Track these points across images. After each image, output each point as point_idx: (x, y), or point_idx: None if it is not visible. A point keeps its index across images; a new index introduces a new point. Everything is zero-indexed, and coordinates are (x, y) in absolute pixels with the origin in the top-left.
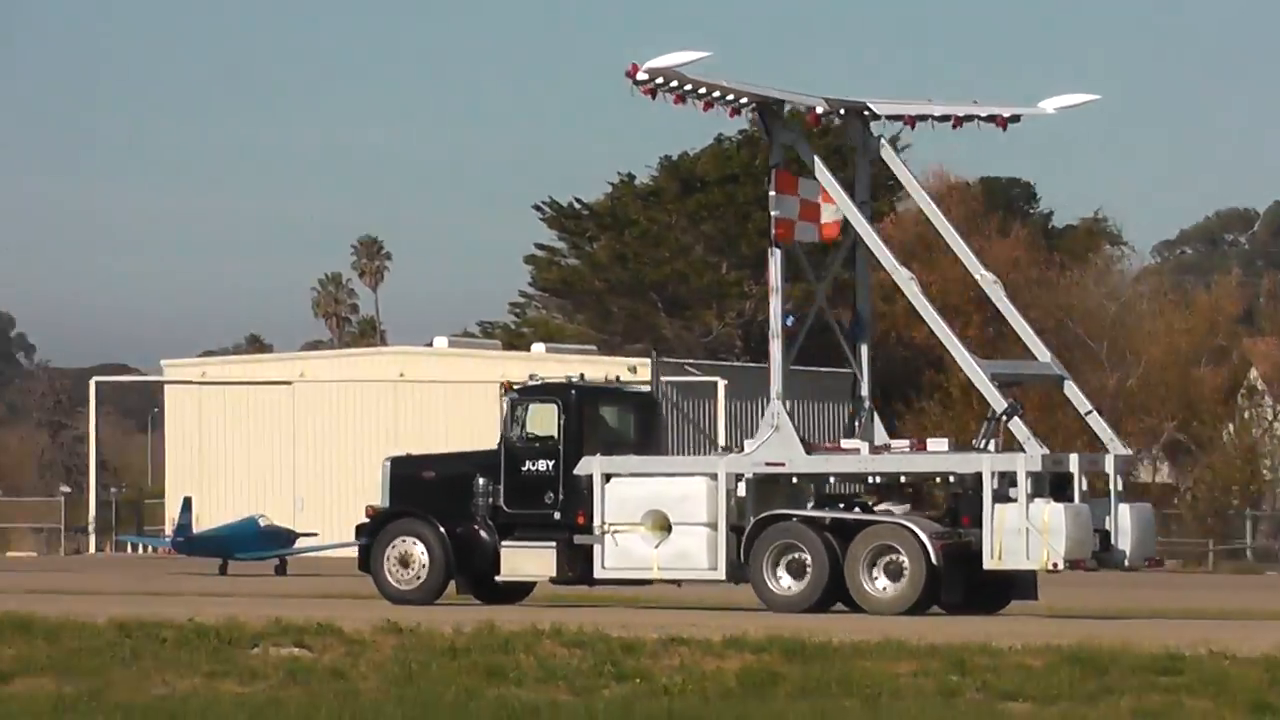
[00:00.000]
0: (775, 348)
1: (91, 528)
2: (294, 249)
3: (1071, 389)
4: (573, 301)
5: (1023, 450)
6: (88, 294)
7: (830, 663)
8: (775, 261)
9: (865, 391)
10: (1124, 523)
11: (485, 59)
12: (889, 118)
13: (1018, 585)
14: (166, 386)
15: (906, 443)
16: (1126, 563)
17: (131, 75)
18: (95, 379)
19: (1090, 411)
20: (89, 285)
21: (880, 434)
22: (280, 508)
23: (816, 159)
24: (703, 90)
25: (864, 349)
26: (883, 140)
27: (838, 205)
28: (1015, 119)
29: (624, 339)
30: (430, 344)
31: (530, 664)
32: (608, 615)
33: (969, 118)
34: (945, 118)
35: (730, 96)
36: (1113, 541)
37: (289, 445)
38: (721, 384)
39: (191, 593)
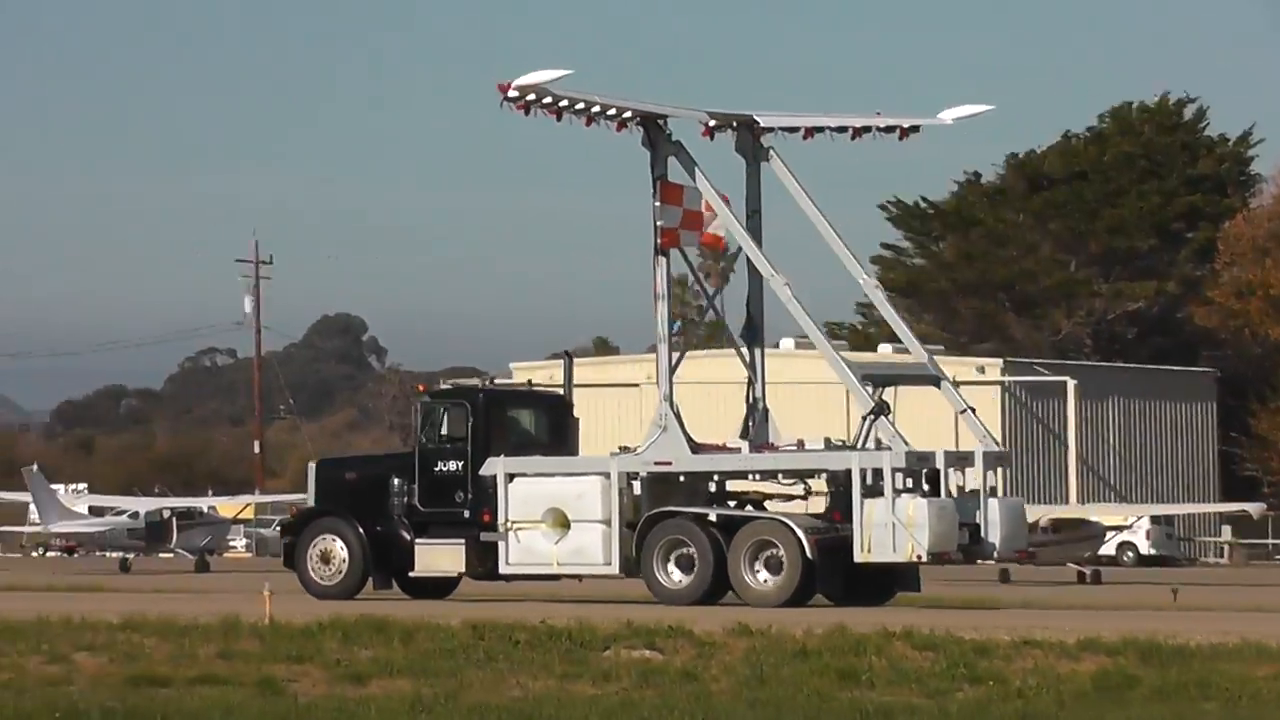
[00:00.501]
0: (662, 351)
1: None
2: (642, 250)
3: (947, 388)
4: (919, 301)
5: (889, 448)
6: (436, 298)
7: (1188, 665)
8: (661, 269)
9: (760, 393)
10: (993, 516)
11: (834, 56)
12: (783, 129)
13: (900, 577)
14: None
15: (792, 442)
16: (995, 555)
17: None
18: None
19: (964, 410)
20: (437, 289)
21: (774, 434)
22: None
23: (697, 170)
24: (580, 105)
25: (758, 352)
26: (772, 151)
27: (718, 215)
28: (914, 129)
29: (971, 339)
30: (777, 346)
31: (882, 666)
32: (958, 619)
33: (866, 129)
34: (843, 129)
35: (613, 111)
36: (983, 534)
37: None
38: (1071, 384)
39: (540, 596)
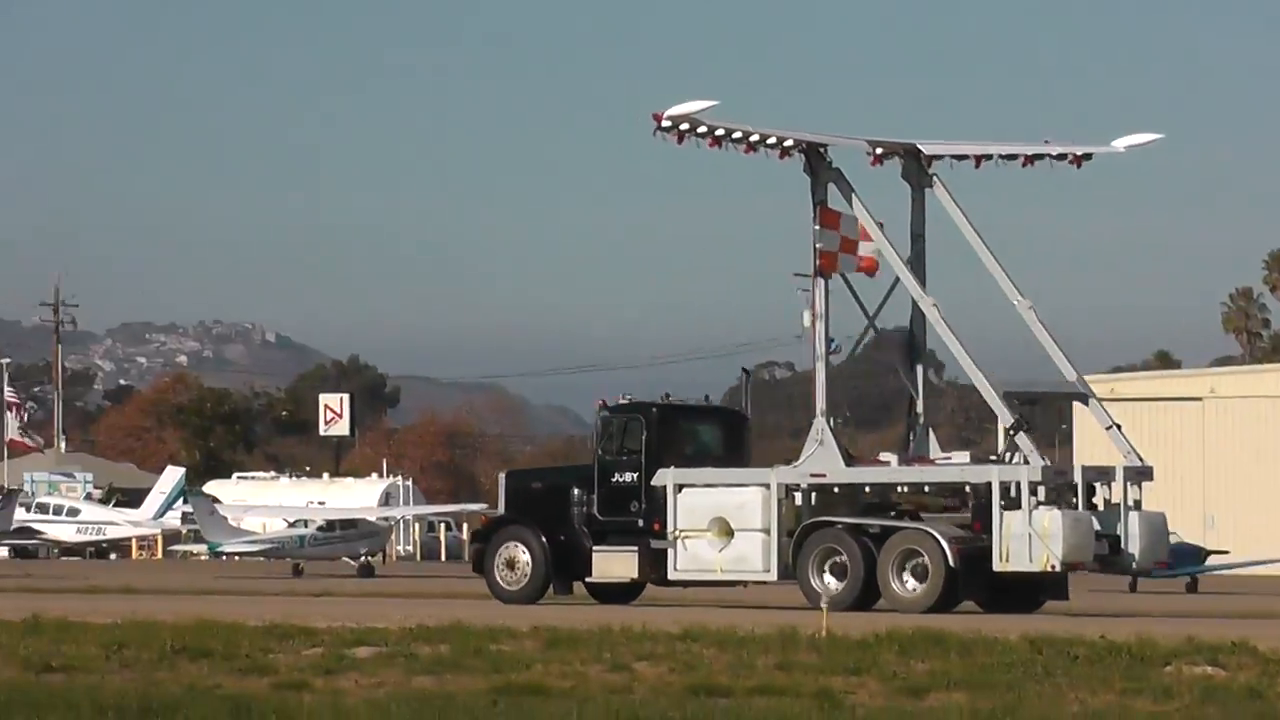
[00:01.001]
0: (819, 370)
1: None
2: (1205, 265)
3: (1095, 406)
4: None
5: (1027, 462)
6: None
7: None
8: (819, 290)
9: (920, 409)
10: (1133, 529)
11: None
12: (952, 157)
13: (1048, 586)
14: None
15: (944, 456)
16: (1135, 565)
17: None
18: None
19: (1110, 426)
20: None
21: (933, 449)
22: (1190, 524)
23: (855, 197)
24: (739, 134)
25: (918, 370)
26: (936, 178)
27: (874, 241)
28: (1088, 157)
29: None
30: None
31: None
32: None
33: (1039, 156)
34: (1013, 156)
35: (773, 140)
36: (1123, 546)
37: (1198, 462)
38: None
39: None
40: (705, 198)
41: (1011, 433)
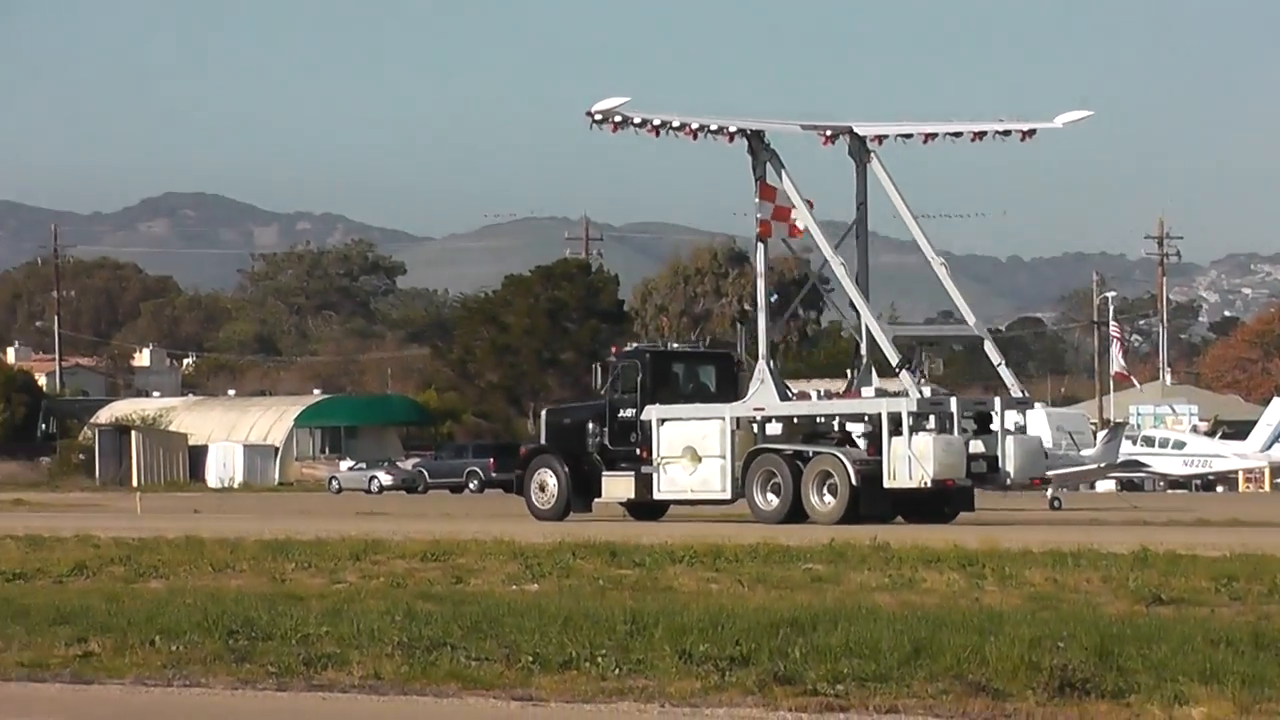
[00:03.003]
0: (761, 319)
1: None
2: None
3: (989, 347)
4: None
5: (907, 394)
6: None
7: None
8: (760, 251)
9: (864, 350)
10: (1009, 449)
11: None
12: (901, 136)
13: (954, 499)
14: None
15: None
16: (1009, 482)
17: None
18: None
19: (1000, 363)
20: None
21: (875, 383)
22: None
23: (784, 175)
24: (677, 124)
25: (874, 316)
26: (874, 154)
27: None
28: (1032, 133)
29: None
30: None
31: None
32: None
33: (983, 133)
34: (958, 134)
35: (715, 127)
36: (1000, 465)
37: None
38: None
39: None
40: None
41: (897, 370)
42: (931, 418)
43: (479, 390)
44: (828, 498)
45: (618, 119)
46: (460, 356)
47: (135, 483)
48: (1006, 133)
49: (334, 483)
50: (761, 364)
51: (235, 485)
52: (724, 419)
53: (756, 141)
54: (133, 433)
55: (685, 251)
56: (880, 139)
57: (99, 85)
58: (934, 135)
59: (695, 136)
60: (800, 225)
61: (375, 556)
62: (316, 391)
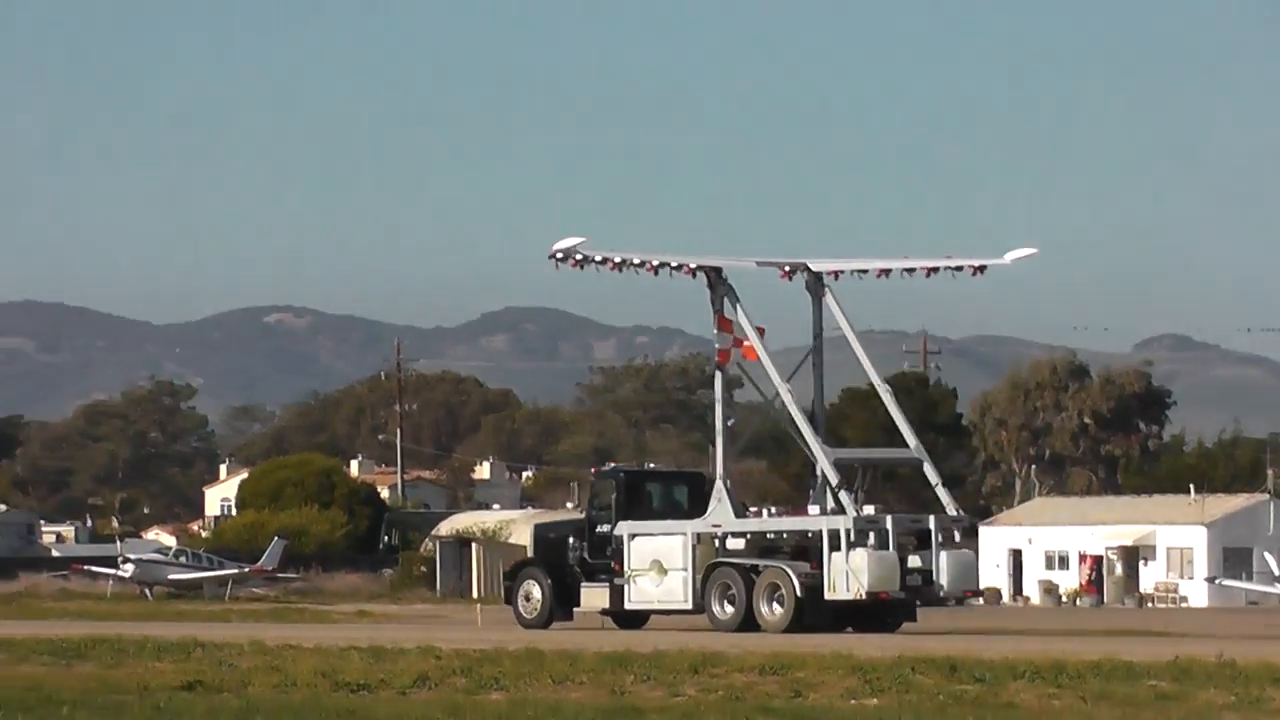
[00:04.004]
0: (719, 443)
1: None
2: None
3: (928, 469)
4: None
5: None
6: None
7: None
8: (718, 380)
9: (820, 472)
10: (943, 564)
11: None
12: (857, 272)
13: (897, 611)
14: None
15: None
16: (942, 594)
17: None
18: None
19: (937, 484)
20: None
21: (816, 507)
22: None
23: (738, 308)
24: (638, 260)
25: (818, 440)
26: (829, 289)
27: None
28: (983, 269)
29: None
30: None
31: None
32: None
33: (936, 269)
34: (912, 270)
35: (675, 264)
36: (935, 579)
37: None
38: None
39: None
40: None
41: (835, 491)
42: (871, 534)
43: None
44: (776, 608)
45: (579, 256)
46: (797, 470)
47: (476, 594)
48: (959, 268)
49: None
50: (719, 483)
51: None
52: (686, 534)
53: (715, 276)
54: (473, 545)
55: (1024, 365)
56: (836, 274)
57: (444, 203)
58: (888, 271)
59: (656, 272)
60: (756, 350)
61: (713, 669)
62: None
